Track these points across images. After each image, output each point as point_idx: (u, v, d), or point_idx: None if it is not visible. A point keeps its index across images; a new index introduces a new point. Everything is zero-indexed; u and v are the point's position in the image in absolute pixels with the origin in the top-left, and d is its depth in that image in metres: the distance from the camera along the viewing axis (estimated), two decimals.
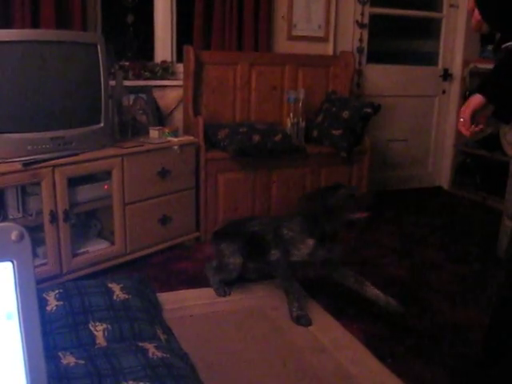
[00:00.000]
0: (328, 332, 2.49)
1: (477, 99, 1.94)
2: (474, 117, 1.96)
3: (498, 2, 1.97)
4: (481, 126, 2.00)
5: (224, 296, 2.82)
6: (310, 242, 2.56)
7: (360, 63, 4.70)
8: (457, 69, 5.18)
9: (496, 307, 2.04)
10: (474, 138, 2.18)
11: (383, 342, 2.46)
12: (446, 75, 5.18)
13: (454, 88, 5.21)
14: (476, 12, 2.02)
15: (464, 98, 5.10)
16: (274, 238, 2.65)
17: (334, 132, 3.80)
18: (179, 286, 2.93)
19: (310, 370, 2.20)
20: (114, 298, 2.36)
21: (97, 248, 3.11)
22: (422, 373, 2.24)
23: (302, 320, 2.55)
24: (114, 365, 1.83)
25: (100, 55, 2.97)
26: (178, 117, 4.00)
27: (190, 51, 3.73)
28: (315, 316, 2.63)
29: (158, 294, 2.73)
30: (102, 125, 3.06)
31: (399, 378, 2.16)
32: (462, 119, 2.00)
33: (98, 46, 2.96)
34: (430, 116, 5.24)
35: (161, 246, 3.36)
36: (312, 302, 2.78)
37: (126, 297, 2.39)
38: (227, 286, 2.87)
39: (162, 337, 2.27)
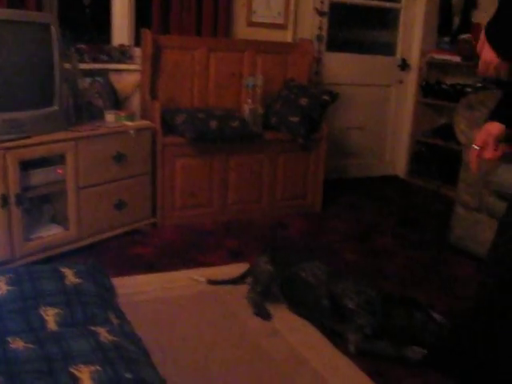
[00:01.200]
0: (281, 316, 2.50)
1: (496, 126, 1.83)
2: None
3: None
4: (502, 150, 1.87)
5: (267, 319, 2.47)
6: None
7: (319, 51, 4.71)
8: (414, 59, 5.25)
9: (481, 312, 1.97)
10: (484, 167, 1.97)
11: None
12: (404, 65, 5.25)
13: (411, 78, 5.28)
14: (485, 52, 1.75)
15: (421, 87, 5.19)
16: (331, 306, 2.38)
17: (291, 119, 3.80)
18: (135, 272, 2.90)
19: (263, 353, 2.21)
20: (67, 282, 2.33)
21: (50, 233, 3.05)
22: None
23: None
24: (64, 349, 1.81)
25: (53, 36, 2.90)
26: (136, 101, 3.95)
27: (147, 35, 3.68)
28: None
29: (113, 279, 2.71)
30: (55, 108, 3.00)
31: (351, 360, 2.19)
32: (477, 147, 1.88)
33: (52, 27, 2.89)
34: (387, 105, 5.31)
35: (116, 232, 3.32)
36: None
37: (79, 281, 2.36)
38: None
39: (115, 321, 2.25)
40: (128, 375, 1.72)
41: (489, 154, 1.87)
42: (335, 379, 2.07)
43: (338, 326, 2.35)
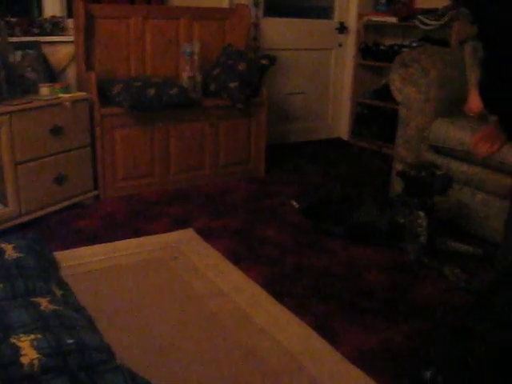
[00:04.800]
0: (227, 278, 2.53)
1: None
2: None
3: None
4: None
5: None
6: (422, 214, 2.83)
7: (257, 16, 4.69)
8: (352, 22, 5.28)
9: None
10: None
11: (281, 283, 2.54)
12: (342, 28, 5.28)
13: (350, 41, 5.33)
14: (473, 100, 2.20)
15: (360, 50, 5.24)
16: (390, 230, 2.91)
17: (230, 84, 3.79)
18: (78, 245, 2.87)
19: (208, 313, 2.24)
20: (6, 257, 2.30)
21: None
22: (317, 308, 2.34)
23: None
24: (4, 320, 1.80)
25: None
26: (72, 73, 3.87)
27: (79, 4, 3.58)
28: (215, 263, 2.67)
29: (56, 253, 2.69)
30: None
31: (294, 314, 2.25)
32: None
33: None
34: (328, 69, 5.34)
35: (58, 206, 3.27)
36: (211, 250, 2.82)
37: (19, 255, 2.33)
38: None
39: (58, 292, 2.24)
40: (70, 340, 1.72)
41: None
42: (279, 333, 2.12)
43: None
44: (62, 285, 2.36)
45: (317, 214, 3.20)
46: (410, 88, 3.35)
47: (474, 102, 2.15)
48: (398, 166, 3.45)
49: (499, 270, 1.81)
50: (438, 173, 2.81)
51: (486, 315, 1.74)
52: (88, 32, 3.68)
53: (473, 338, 1.76)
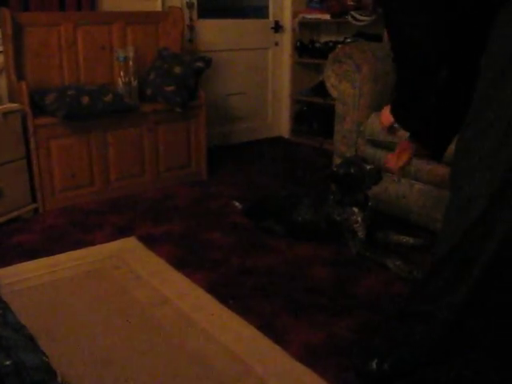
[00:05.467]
0: (171, 284, 2.51)
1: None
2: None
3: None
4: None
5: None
6: (356, 210, 2.86)
7: (191, 19, 4.67)
8: (287, 20, 5.33)
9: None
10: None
11: (225, 285, 2.53)
12: (278, 27, 5.31)
13: (286, 39, 5.37)
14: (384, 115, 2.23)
15: (296, 48, 5.28)
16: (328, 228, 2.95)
17: (166, 88, 3.76)
18: (18, 261, 2.79)
19: (152, 321, 2.22)
20: None
21: None
22: (262, 308, 2.34)
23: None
24: None
25: None
26: (3, 84, 3.76)
27: (5, 13, 3.49)
28: (158, 270, 2.65)
29: None
30: None
31: (240, 316, 2.25)
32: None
33: None
34: (265, 68, 5.37)
35: None
36: (154, 257, 2.80)
37: None
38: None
39: None
40: (7, 362, 1.67)
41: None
42: (225, 336, 2.11)
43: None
44: (0, 304, 2.29)
45: (259, 213, 3.21)
46: (344, 84, 3.39)
47: (385, 116, 2.20)
48: (337, 160, 3.49)
49: (436, 257, 1.87)
50: (368, 167, 2.85)
51: (424, 299, 1.81)
52: (18, 41, 3.59)
53: (414, 319, 1.82)
